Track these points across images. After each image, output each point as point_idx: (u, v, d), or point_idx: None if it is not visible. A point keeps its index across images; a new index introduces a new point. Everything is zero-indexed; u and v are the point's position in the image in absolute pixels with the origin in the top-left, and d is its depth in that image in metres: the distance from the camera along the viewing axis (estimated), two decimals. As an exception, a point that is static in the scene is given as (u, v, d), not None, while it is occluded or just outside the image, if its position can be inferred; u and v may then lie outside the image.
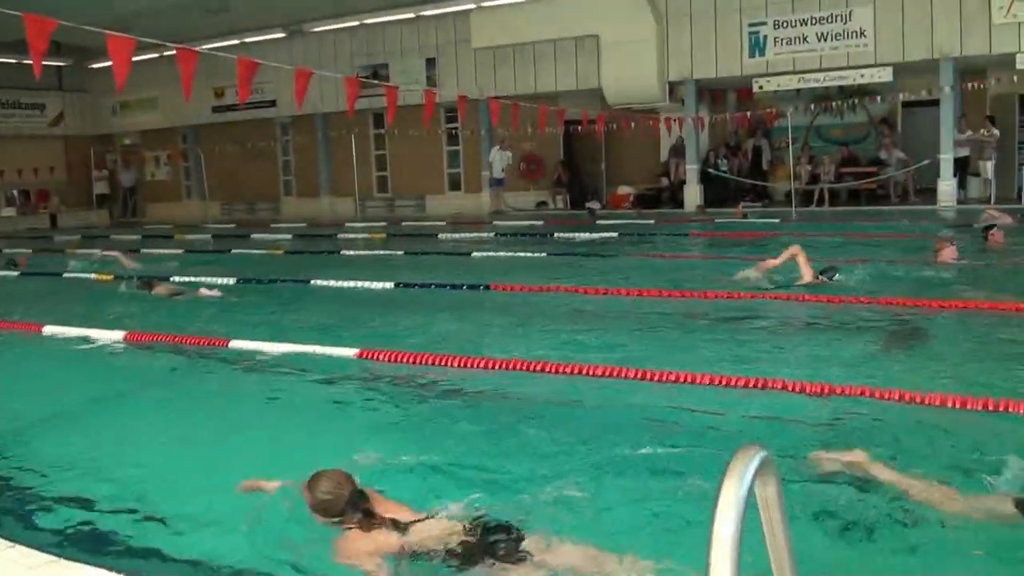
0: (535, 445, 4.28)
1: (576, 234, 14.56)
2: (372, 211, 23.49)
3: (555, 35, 19.65)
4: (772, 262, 8.34)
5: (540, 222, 17.65)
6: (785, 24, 18.06)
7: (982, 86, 16.86)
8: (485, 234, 15.44)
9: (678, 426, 4.55)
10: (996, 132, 17.39)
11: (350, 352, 6.26)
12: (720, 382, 5.04)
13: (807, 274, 8.12)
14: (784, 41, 18.09)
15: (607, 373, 5.44)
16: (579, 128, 17.79)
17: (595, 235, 14.29)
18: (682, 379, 5.20)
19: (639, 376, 5.31)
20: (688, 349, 6.22)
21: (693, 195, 19.54)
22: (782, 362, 5.70)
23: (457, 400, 5.22)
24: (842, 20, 17.60)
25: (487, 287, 8.95)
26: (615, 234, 14.16)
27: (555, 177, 21.35)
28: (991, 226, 10.71)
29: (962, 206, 17.00)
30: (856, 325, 6.73)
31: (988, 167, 17.29)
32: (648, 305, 7.88)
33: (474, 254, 12.33)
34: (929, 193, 18.22)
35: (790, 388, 4.91)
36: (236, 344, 6.75)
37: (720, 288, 8.19)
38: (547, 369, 5.63)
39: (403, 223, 19.00)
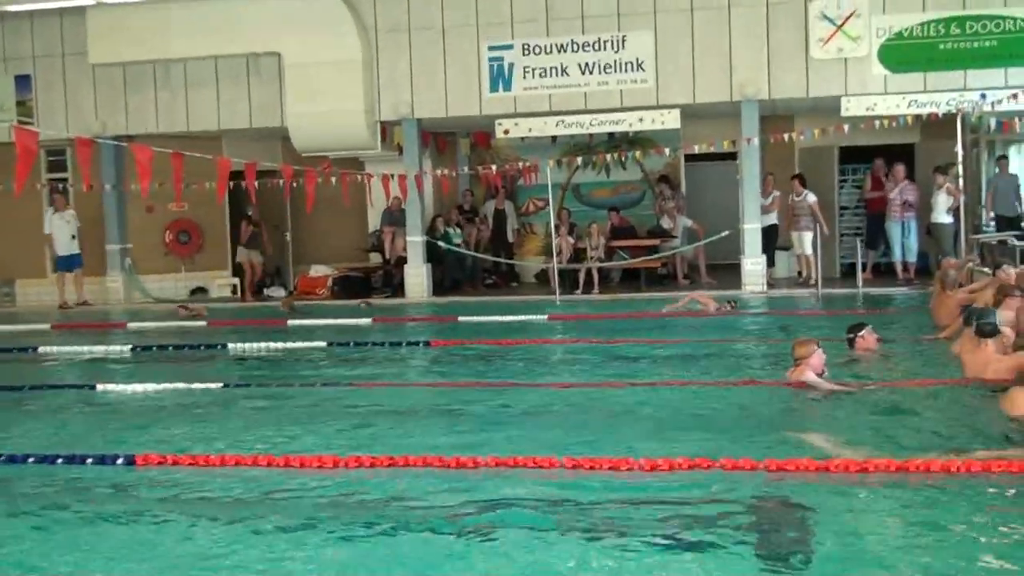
0: None
1: (262, 344, 12.92)
2: (-71, 306, 20.45)
3: (216, 50, 18.45)
4: None
5: (202, 322, 15.86)
6: (537, 49, 17.69)
7: (800, 136, 17.05)
8: (118, 347, 13.30)
9: None
10: (811, 196, 17.64)
11: None
12: None
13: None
14: (537, 72, 17.76)
15: None
16: (256, 183, 16.20)
17: (293, 345, 12.76)
18: None
19: None
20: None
21: (418, 278, 18.67)
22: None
23: None
24: (613, 47, 17.37)
25: (129, 460, 7.10)
26: (321, 344, 12.73)
27: (245, 238, 19.76)
28: (860, 325, 10.27)
29: (773, 291, 17.11)
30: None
31: (805, 240, 17.47)
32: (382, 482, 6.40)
33: (100, 387, 10.32)
34: (724, 272, 18.41)
35: None
36: None
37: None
38: None
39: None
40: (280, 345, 12.82)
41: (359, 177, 18.52)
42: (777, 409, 8.17)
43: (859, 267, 16.17)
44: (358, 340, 13.04)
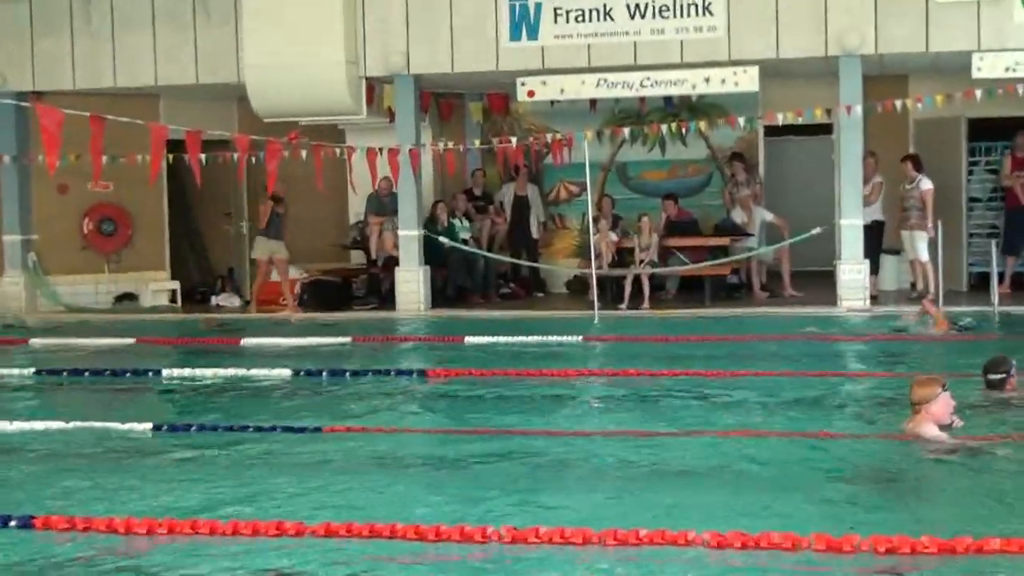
0: None
1: (207, 371, 12.98)
2: None
3: (150, -15, 18.72)
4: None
5: (130, 340, 15.83)
6: (574, -15, 17.79)
7: (917, 104, 16.84)
8: (16, 370, 13.52)
9: None
10: (925, 182, 17.52)
11: None
12: None
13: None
14: (571, 15, 17.78)
15: None
16: (203, 157, 16.16)
17: (248, 372, 12.85)
18: None
19: None
20: None
21: (413, 284, 18.67)
22: None
23: None
24: (675, -16, 17.47)
25: (25, 523, 7.05)
26: (285, 373, 12.81)
27: (265, 222, 19.52)
28: (1004, 361, 10.18)
29: (878, 308, 17.05)
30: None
31: (918, 242, 17.39)
32: None
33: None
34: (811, 281, 18.37)
35: None
36: None
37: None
38: None
39: None
40: (231, 372, 12.89)
41: (337, 151, 18.42)
42: (886, 469, 8.12)
43: (994, 278, 16.04)
44: (333, 367, 13.08)
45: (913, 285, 18.02)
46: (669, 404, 10.75)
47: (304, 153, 17.32)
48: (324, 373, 12.77)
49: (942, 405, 8.57)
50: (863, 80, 17.02)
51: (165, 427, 10.13)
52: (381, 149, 18.00)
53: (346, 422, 10.25)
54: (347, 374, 12.79)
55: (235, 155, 16.48)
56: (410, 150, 18.14)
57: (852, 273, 17.13)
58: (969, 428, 8.78)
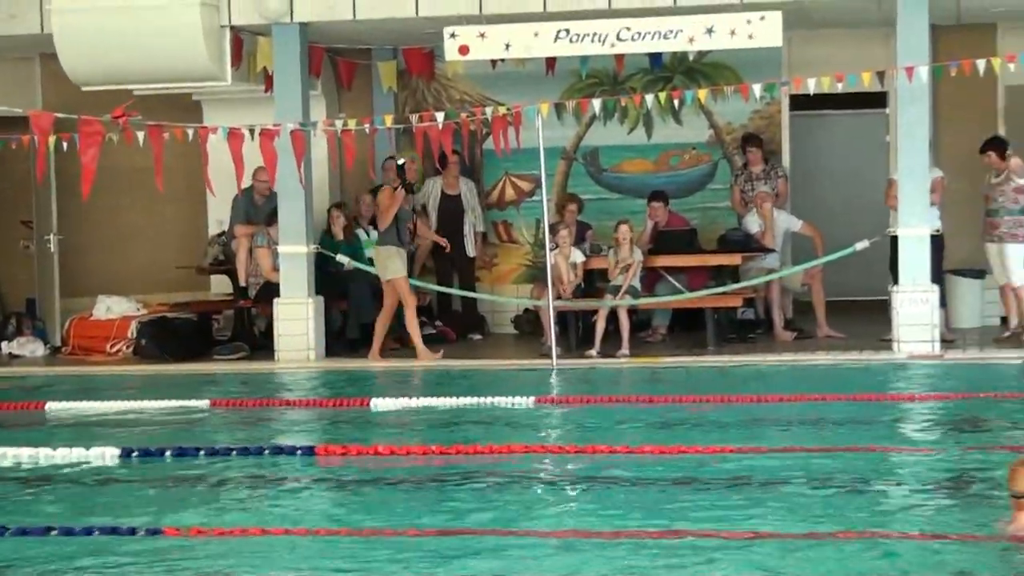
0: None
1: None
2: None
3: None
4: None
5: None
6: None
7: (1011, 64, 16.66)
8: None
9: None
10: (1019, 177, 17.57)
11: None
12: None
13: None
14: None
15: None
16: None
17: (54, 454, 12.63)
18: None
19: None
20: None
21: (298, 323, 18.87)
22: None
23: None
24: None
25: None
26: (110, 452, 12.60)
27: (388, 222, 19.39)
28: None
29: (953, 356, 17.10)
30: None
31: (1011, 258, 17.46)
32: None
33: None
34: (849, 316, 19.10)
35: None
36: None
37: None
38: None
39: None
40: (28, 452, 12.75)
41: (189, 133, 18.20)
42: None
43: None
44: (181, 445, 12.99)
45: (1004, 320, 18.06)
46: (658, 495, 10.57)
47: (140, 136, 17.03)
48: (167, 453, 12.68)
49: None
50: (932, 31, 17.10)
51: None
52: (252, 129, 17.78)
53: (194, 522, 10.03)
54: (200, 453, 12.72)
55: (35, 139, 16.30)
56: (293, 131, 18.06)
57: (916, 304, 17.13)
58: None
